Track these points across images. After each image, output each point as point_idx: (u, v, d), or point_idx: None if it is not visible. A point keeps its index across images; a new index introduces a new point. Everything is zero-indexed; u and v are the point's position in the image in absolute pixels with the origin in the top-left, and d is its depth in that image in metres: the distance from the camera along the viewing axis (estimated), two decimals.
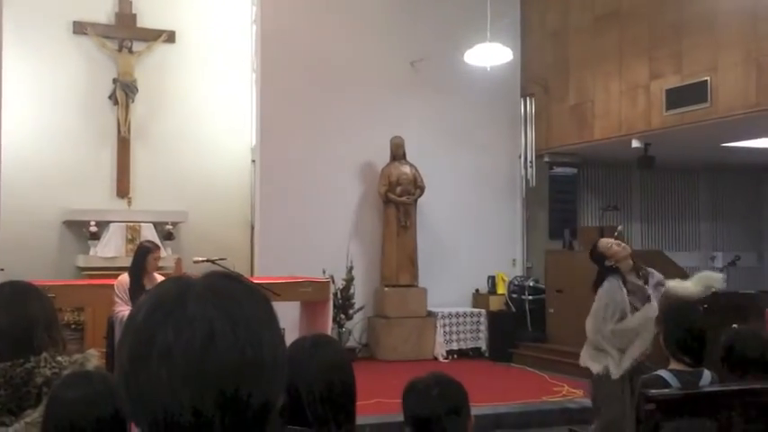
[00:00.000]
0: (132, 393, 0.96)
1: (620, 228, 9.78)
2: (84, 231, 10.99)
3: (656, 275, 5.38)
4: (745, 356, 3.50)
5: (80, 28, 11.34)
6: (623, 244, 5.47)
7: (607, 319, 5.14)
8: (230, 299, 0.98)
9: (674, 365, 3.67)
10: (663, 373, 3.63)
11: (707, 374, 3.65)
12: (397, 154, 10.99)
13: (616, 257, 5.23)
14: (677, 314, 3.81)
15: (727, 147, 10.76)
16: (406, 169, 10.96)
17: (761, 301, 7.71)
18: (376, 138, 10.93)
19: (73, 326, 9.35)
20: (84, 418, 1.85)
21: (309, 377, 2.09)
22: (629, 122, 10.18)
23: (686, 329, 3.66)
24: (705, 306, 7.43)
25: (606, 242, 5.45)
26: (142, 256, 6.71)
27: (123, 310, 6.37)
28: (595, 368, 5.17)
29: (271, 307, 1.03)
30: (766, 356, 3.54)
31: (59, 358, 2.19)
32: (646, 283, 5.27)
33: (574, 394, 8.04)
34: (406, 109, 11.25)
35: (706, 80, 9.01)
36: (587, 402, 6.00)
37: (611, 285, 5.18)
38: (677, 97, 9.40)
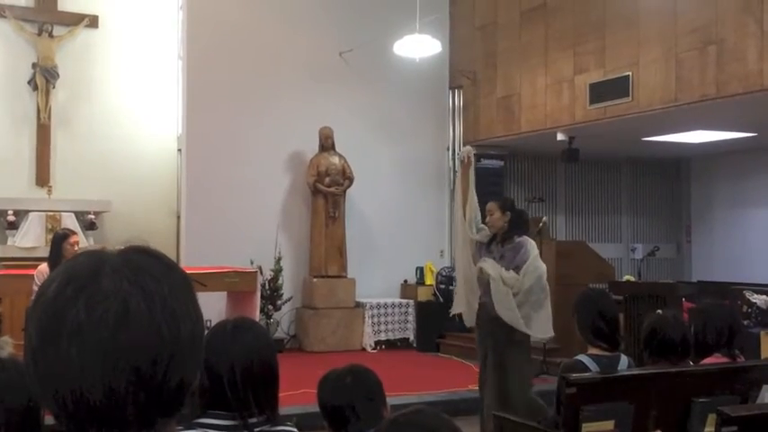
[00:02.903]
0: (40, 372, 0.91)
1: (544, 219, 10.00)
2: (1, 221, 10.65)
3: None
4: (666, 339, 3.62)
5: None
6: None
7: None
8: (147, 275, 0.95)
9: (592, 350, 3.77)
10: (582, 357, 3.72)
11: (624, 359, 3.76)
12: (326, 144, 10.94)
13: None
14: (589, 302, 3.92)
15: (648, 141, 11.05)
16: (335, 160, 10.93)
17: (679, 291, 7.98)
18: (305, 127, 10.86)
19: None
20: None
21: (230, 360, 2.05)
22: (555, 116, 10.35)
23: (598, 316, 3.77)
24: (626, 296, 7.68)
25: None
26: (58, 243, 6.68)
27: None
28: None
29: (190, 284, 1.00)
30: (685, 339, 3.67)
31: None
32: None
33: None
34: (335, 99, 11.21)
35: (628, 75, 9.23)
36: None
37: None
38: (600, 91, 9.60)
